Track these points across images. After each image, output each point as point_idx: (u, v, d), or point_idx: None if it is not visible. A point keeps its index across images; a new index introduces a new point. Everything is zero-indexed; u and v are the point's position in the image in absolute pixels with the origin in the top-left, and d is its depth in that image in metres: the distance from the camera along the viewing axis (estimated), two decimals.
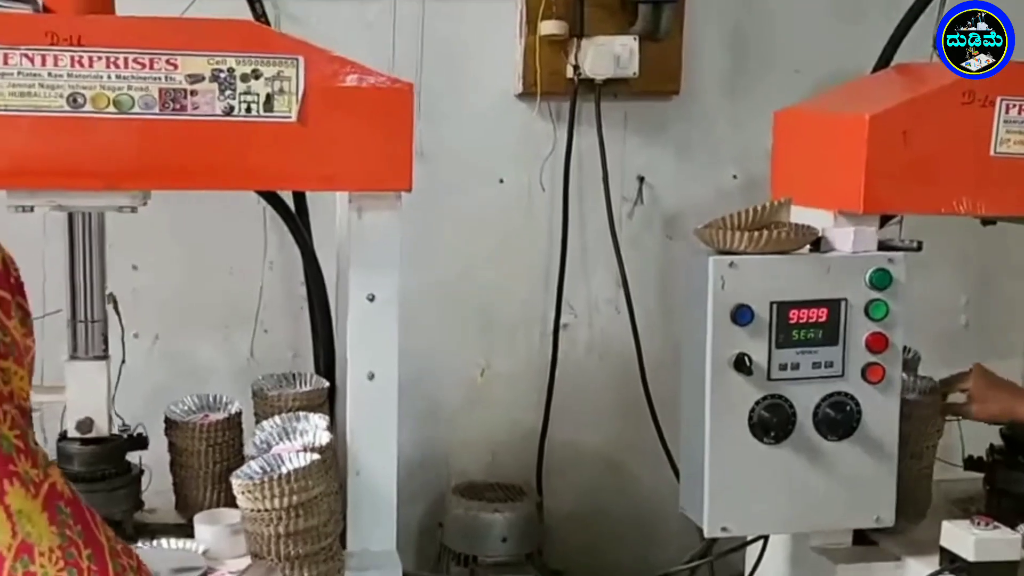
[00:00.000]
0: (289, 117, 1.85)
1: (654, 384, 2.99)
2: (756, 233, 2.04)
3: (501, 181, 2.99)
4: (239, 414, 2.15)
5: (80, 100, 1.77)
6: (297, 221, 2.24)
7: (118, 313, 2.48)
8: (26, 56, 1.75)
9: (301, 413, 2.08)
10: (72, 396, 1.98)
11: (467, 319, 3.02)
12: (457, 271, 2.98)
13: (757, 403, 2.08)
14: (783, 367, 2.08)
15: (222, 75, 1.82)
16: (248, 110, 1.84)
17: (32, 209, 1.84)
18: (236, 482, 1.77)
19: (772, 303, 2.06)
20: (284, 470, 1.80)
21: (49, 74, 1.76)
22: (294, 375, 2.26)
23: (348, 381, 2.06)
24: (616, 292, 3.08)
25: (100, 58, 1.78)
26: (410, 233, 2.79)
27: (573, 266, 3.04)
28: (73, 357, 2.00)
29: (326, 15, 2.77)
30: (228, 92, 1.82)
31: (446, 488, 2.95)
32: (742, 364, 2.05)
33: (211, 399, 2.20)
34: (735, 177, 3.12)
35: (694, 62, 3.02)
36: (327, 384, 2.20)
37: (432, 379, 3.00)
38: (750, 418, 2.08)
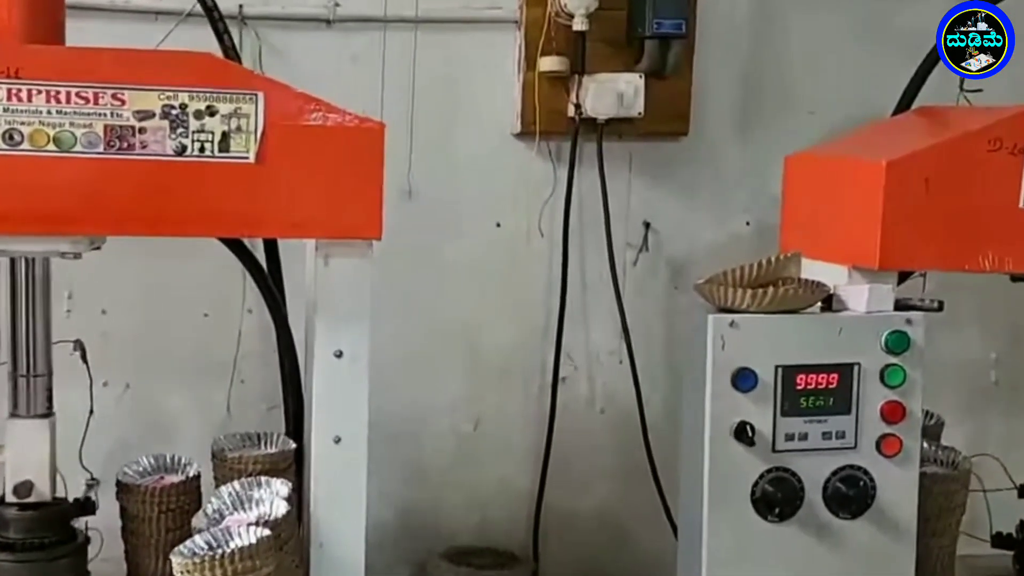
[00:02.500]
0: (247, 157, 1.71)
1: (657, 441, 2.83)
2: (760, 290, 1.88)
3: (498, 225, 2.85)
4: (197, 477, 2.00)
5: (17, 137, 1.64)
6: (261, 269, 2.09)
7: (86, 361, 2.34)
8: None
9: (263, 478, 1.92)
10: (11, 457, 1.83)
11: (458, 371, 2.87)
12: (449, 320, 2.83)
13: (761, 476, 1.93)
14: (789, 437, 1.93)
15: (174, 111, 1.68)
16: (202, 150, 1.70)
17: None
18: (175, 560, 1.61)
19: (777, 367, 1.92)
20: (230, 547, 1.64)
21: None
22: (259, 435, 2.11)
23: (312, 445, 1.91)
24: (619, 343, 2.92)
25: (39, 91, 1.64)
26: (397, 278, 2.68)
27: (573, 315, 2.89)
28: (13, 415, 1.86)
29: (310, 47, 2.64)
30: (180, 130, 1.69)
31: (432, 554, 2.78)
32: (744, 433, 1.89)
33: (168, 460, 2.05)
34: (748, 224, 2.96)
35: (704, 101, 2.87)
36: (293, 446, 2.05)
37: (419, 435, 2.85)
38: (753, 493, 1.93)
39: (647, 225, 2.93)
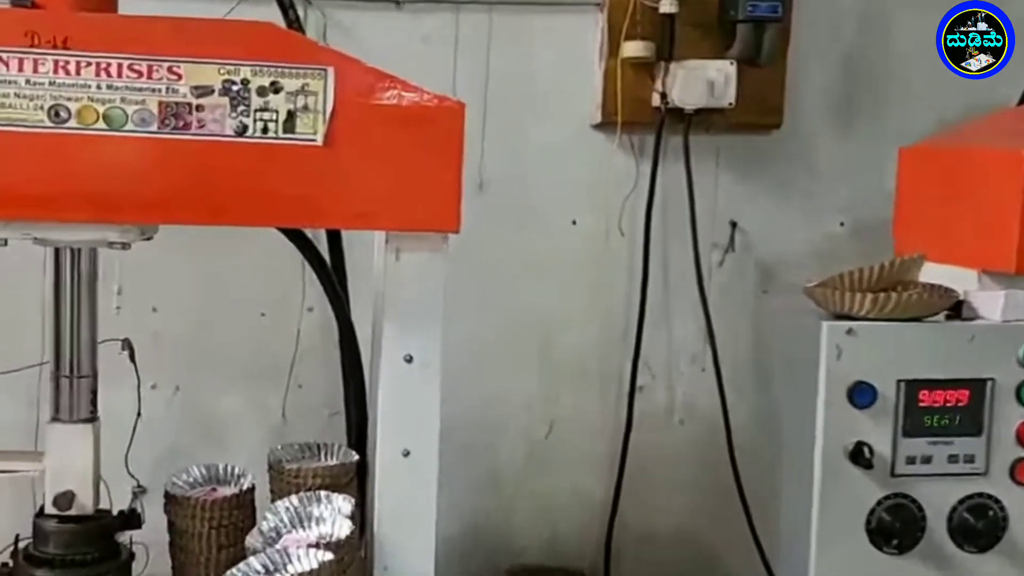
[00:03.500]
0: (314, 139, 1.55)
1: (743, 456, 2.65)
2: (881, 295, 1.70)
3: (574, 222, 2.68)
4: (252, 490, 1.85)
5: (64, 114, 1.49)
6: (324, 263, 1.94)
7: (134, 362, 2.22)
8: None
9: (323, 494, 1.77)
10: (52, 465, 1.69)
11: (531, 374, 2.71)
12: (522, 321, 2.67)
13: (878, 503, 1.77)
14: (911, 460, 1.77)
15: (235, 87, 1.53)
16: (265, 130, 1.54)
17: (5, 242, 1.56)
18: None
19: (899, 381, 1.75)
20: (288, 572, 1.49)
21: (28, 81, 1.49)
22: (318, 445, 1.95)
23: (378, 458, 1.75)
24: (701, 350, 2.75)
25: (89, 63, 1.50)
26: (464, 277, 2.52)
27: (653, 319, 2.71)
28: (55, 419, 1.71)
29: (379, 26, 2.49)
30: (241, 108, 1.53)
31: (498, 571, 2.63)
32: (860, 455, 1.72)
33: (221, 470, 1.90)
34: (842, 224, 2.78)
35: (799, 91, 2.68)
36: (356, 457, 1.89)
37: (489, 441, 2.69)
38: (868, 522, 1.77)
39: (734, 224, 2.75)
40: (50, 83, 1.50)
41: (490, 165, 2.56)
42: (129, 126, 1.51)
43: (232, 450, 2.55)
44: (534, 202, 2.65)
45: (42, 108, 1.50)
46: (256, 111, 1.54)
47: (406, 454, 1.73)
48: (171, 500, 1.82)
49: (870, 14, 2.67)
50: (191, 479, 1.89)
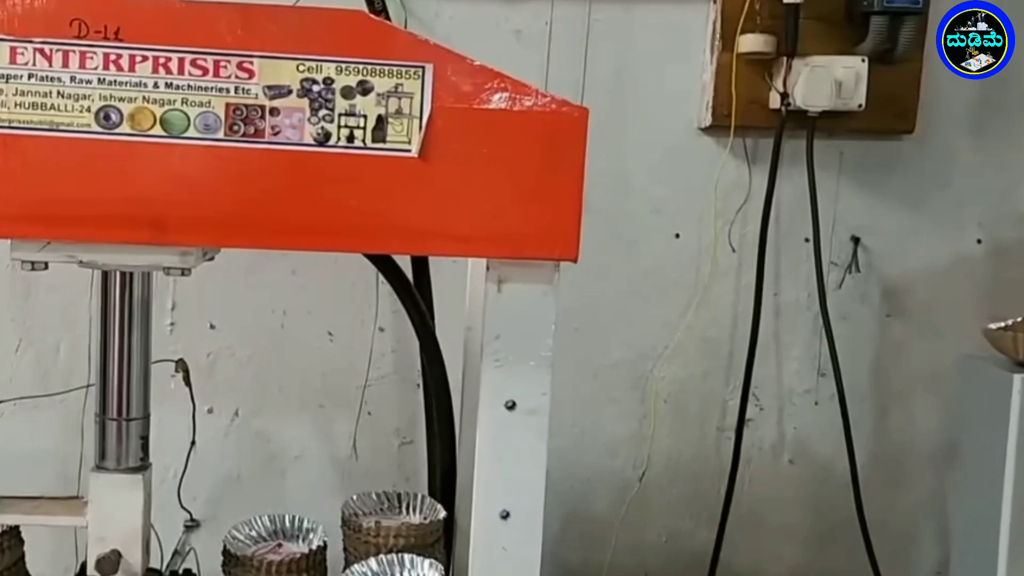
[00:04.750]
0: (408, 150, 1.32)
1: (870, 502, 2.38)
2: None
3: (677, 236, 2.43)
4: (323, 549, 1.63)
5: (114, 117, 1.28)
6: (411, 288, 1.70)
7: (189, 384, 2.05)
8: (41, 52, 1.27)
9: (407, 557, 1.55)
10: (95, 521, 1.47)
11: (624, 406, 2.46)
12: (616, 346, 2.43)
13: None
14: None
15: (316, 87, 1.30)
16: (351, 139, 1.31)
17: (46, 266, 1.35)
18: None
19: None
20: None
21: (73, 79, 1.27)
22: (399, 495, 1.73)
23: (473, 518, 1.51)
24: (816, 381, 2.49)
25: (145, 58, 1.28)
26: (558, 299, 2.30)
27: (765, 346, 2.45)
28: (100, 467, 1.50)
29: (463, 17, 2.26)
30: (323, 112, 1.30)
31: None
32: None
33: (288, 521, 1.69)
34: (979, 242, 2.51)
35: (934, 93, 2.41)
36: (444, 514, 1.66)
37: (576, 484, 2.45)
38: None
39: (856, 240, 2.48)
40: (99, 81, 1.28)
41: (587, 173, 2.31)
42: (191, 132, 1.29)
43: (296, 482, 2.35)
44: (633, 213, 2.41)
45: (89, 110, 1.28)
46: (340, 115, 1.31)
47: (505, 516, 1.50)
48: (230, 559, 1.60)
49: (1019, 7, 2.39)
50: (253, 532, 1.68)
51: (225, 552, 1.62)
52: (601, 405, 2.44)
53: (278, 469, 2.35)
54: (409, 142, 1.32)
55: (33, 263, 1.33)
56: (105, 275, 1.48)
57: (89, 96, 1.28)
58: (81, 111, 1.28)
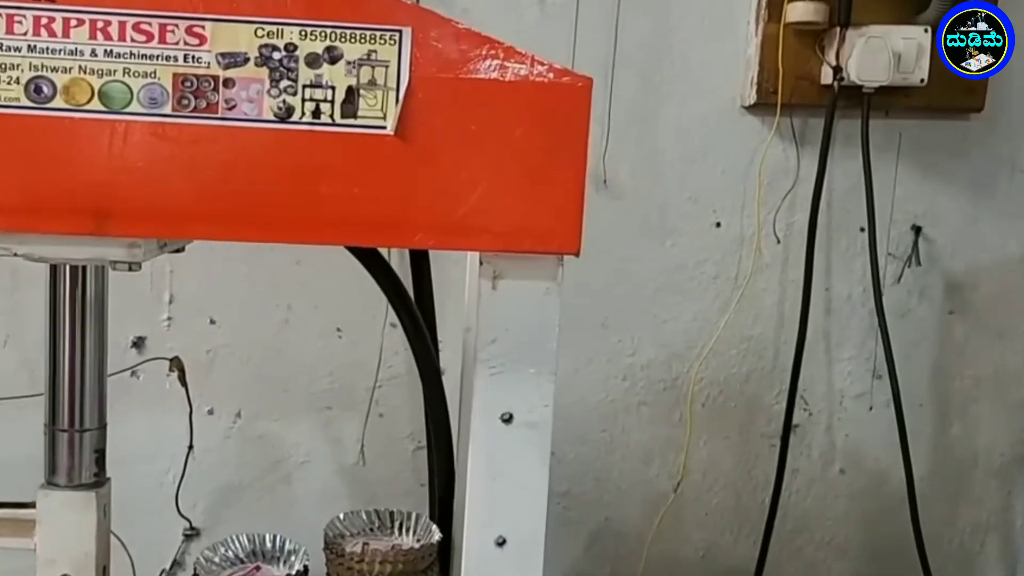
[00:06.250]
0: (383, 127, 1.16)
1: (928, 516, 2.21)
2: None
3: (718, 225, 2.25)
4: (304, 573, 1.48)
5: (47, 90, 1.13)
6: (400, 285, 1.54)
7: (184, 384, 1.93)
8: None
9: None
10: (43, 541, 1.34)
11: (658, 413, 2.29)
12: (648, 345, 2.26)
13: None
14: None
15: (276, 55, 1.15)
16: (317, 114, 1.16)
17: None
18: None
19: None
20: None
21: (1, 47, 1.13)
22: (391, 514, 1.58)
23: (464, 544, 1.35)
24: (871, 385, 2.30)
25: (81, 21, 1.13)
26: (580, 292, 2.14)
27: (812, 346, 2.27)
28: (50, 483, 1.36)
29: None
30: (286, 83, 1.15)
31: None
32: None
33: (268, 543, 1.54)
34: None
35: (1007, 66, 2.19)
36: (438, 537, 1.51)
37: (604, 497, 2.29)
38: None
39: (917, 230, 2.29)
40: (29, 48, 1.14)
41: (616, 157, 2.16)
42: (134, 107, 1.14)
43: (301, 488, 2.21)
44: (669, 200, 2.23)
45: (18, 82, 1.14)
46: (305, 87, 1.15)
47: (501, 543, 1.33)
48: None
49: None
50: (230, 553, 1.53)
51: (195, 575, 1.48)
52: (632, 409, 2.27)
53: (282, 474, 2.21)
54: (384, 117, 1.16)
55: None
56: (53, 269, 1.34)
57: (18, 66, 1.14)
58: (9, 83, 1.13)
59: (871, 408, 2.33)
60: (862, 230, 2.23)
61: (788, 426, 2.26)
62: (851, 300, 2.29)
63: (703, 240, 2.25)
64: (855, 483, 2.36)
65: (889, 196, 2.26)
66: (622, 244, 2.20)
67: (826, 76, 2.12)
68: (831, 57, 2.10)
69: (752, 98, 2.17)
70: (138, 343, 2.12)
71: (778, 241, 2.24)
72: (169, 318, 2.14)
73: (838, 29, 2.08)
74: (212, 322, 2.15)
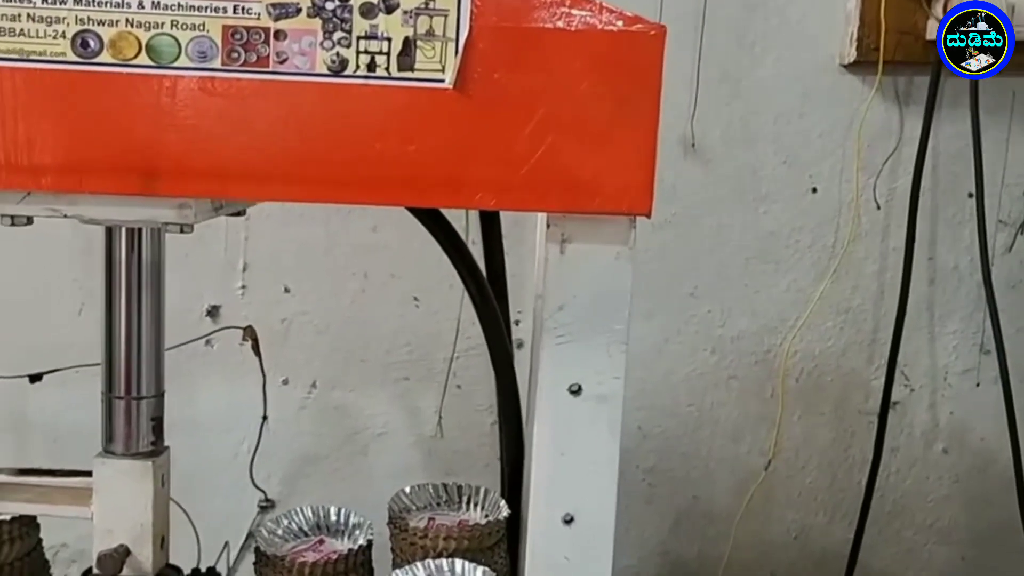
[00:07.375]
0: (442, 80, 1.11)
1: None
2: None
3: (814, 191, 2.16)
4: (366, 549, 1.44)
5: (93, 44, 1.10)
6: (463, 247, 1.48)
7: (258, 353, 1.90)
8: None
9: (457, 563, 1.35)
10: (100, 511, 1.32)
11: (750, 385, 2.21)
12: (739, 316, 2.18)
13: None
14: None
15: (330, 5, 1.10)
16: (372, 67, 1.10)
17: (29, 221, 1.18)
18: None
19: None
20: None
21: (44, 1, 1.10)
22: (459, 488, 1.53)
23: (530, 522, 1.30)
24: (978, 360, 2.19)
25: None
26: (665, 263, 2.07)
27: (915, 318, 2.17)
28: (107, 451, 1.34)
29: None
30: (339, 35, 1.10)
31: None
32: None
33: (332, 515, 1.51)
34: None
35: None
36: (506, 513, 1.46)
37: (692, 474, 2.22)
38: None
39: None
40: (74, 2, 1.10)
41: (704, 118, 2.07)
42: (182, 61, 1.10)
43: (377, 460, 2.18)
44: (761, 164, 2.14)
45: (64, 36, 1.10)
46: (359, 39, 1.10)
47: (568, 521, 1.28)
48: (261, 559, 1.43)
49: None
50: (293, 526, 1.51)
51: (256, 550, 1.45)
52: (721, 383, 2.19)
53: (359, 446, 2.18)
54: (443, 70, 1.11)
55: (13, 217, 1.17)
56: (109, 232, 1.31)
57: (64, 19, 1.10)
58: (55, 37, 1.10)
59: (978, 384, 2.22)
60: (970, 196, 2.12)
61: (887, 403, 2.16)
62: (957, 270, 2.17)
63: (798, 206, 2.15)
64: (959, 464, 2.25)
65: (1001, 159, 2.14)
66: (711, 210, 2.12)
67: (932, 31, 2.01)
68: (938, 10, 1.99)
69: (852, 56, 2.07)
70: (212, 311, 2.11)
71: (878, 207, 2.13)
72: (243, 286, 2.12)
73: None
74: (287, 290, 2.13)
